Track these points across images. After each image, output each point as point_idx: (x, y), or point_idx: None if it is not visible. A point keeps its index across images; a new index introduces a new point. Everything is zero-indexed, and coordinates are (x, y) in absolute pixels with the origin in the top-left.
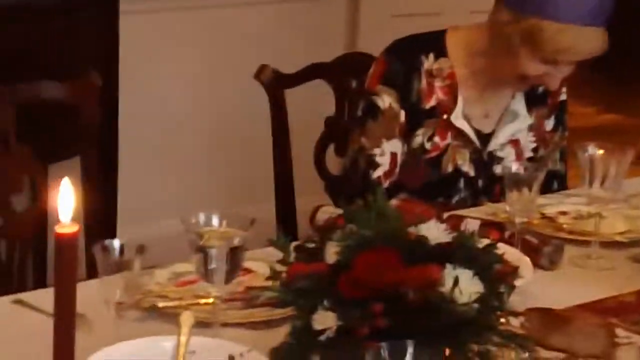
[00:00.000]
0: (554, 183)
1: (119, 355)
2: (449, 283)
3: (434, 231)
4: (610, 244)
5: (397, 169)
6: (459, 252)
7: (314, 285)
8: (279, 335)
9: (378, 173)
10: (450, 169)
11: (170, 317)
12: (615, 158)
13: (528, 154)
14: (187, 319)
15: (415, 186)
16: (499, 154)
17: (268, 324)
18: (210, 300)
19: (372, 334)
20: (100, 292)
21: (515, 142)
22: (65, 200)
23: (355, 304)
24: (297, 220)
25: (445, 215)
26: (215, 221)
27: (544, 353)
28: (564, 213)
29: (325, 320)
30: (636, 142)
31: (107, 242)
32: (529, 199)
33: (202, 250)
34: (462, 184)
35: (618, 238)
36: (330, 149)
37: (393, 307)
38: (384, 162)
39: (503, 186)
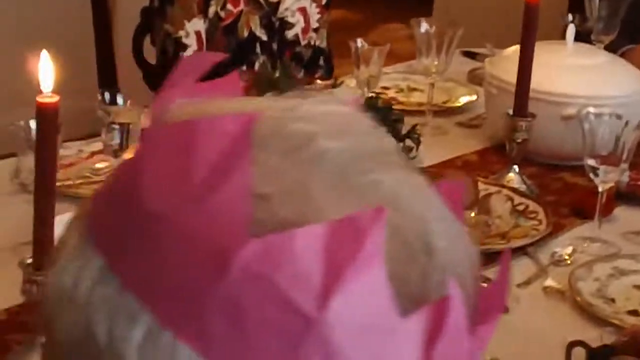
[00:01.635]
0: (321, 60)
1: None
2: None
3: (346, 94)
4: (439, 113)
5: (205, 47)
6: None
7: None
8: None
9: (188, 54)
10: (245, 34)
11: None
12: (447, 35)
13: (314, 24)
14: None
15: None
16: (290, 19)
17: None
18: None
19: None
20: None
21: (302, 10)
22: (45, 71)
23: None
24: None
25: None
26: (120, 100)
27: None
28: (386, 88)
29: None
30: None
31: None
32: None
33: (114, 127)
34: (258, 48)
35: (447, 105)
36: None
37: None
38: (191, 42)
39: (294, 51)
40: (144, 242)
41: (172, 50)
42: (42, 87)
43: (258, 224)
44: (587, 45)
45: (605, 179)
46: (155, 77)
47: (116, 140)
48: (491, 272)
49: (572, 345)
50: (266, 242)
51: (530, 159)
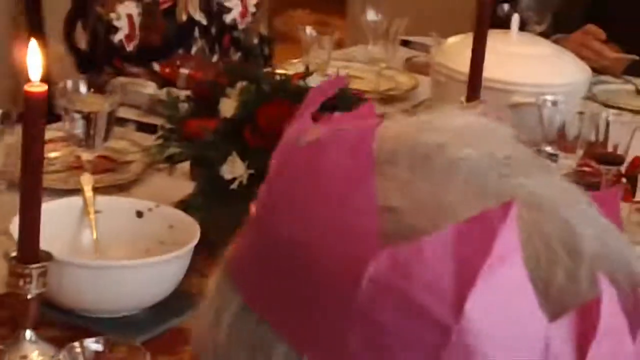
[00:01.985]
0: (265, 48)
1: None
2: None
3: (318, 83)
4: (383, 100)
5: (137, 32)
6: (340, 101)
7: (220, 138)
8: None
9: (119, 37)
10: (184, 18)
11: None
12: (394, 26)
13: (252, 8)
14: (87, 179)
15: (157, 43)
16: (227, 3)
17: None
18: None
19: None
20: None
21: None
22: (34, 59)
23: (263, 153)
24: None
25: None
26: (82, 88)
27: None
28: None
29: (234, 169)
30: None
31: None
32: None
33: (77, 116)
34: (197, 33)
35: (391, 93)
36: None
37: None
38: (122, 25)
39: (233, 36)
40: (276, 269)
41: (102, 33)
42: (30, 76)
43: (389, 235)
44: (530, 35)
45: (563, 166)
46: (86, 62)
47: (80, 130)
48: None
49: None
50: (395, 253)
51: None
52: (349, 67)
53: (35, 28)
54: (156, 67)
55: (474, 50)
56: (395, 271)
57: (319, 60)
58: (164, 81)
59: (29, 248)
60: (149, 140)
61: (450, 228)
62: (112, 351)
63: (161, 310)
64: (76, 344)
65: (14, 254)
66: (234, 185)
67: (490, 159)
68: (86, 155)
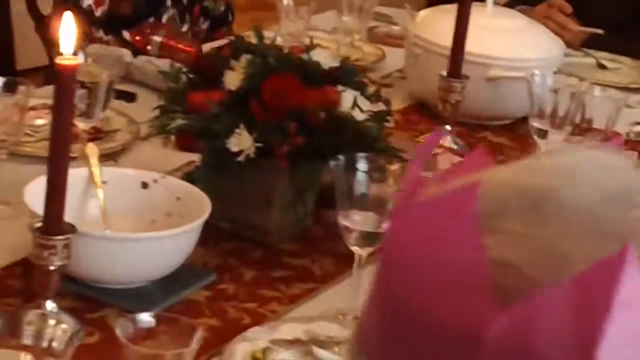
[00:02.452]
0: (229, 14)
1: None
2: (347, 103)
3: (322, 56)
4: None
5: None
6: (343, 74)
7: (226, 111)
8: None
9: (88, 2)
10: None
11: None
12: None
13: None
14: (92, 150)
15: (127, 11)
16: None
17: None
18: None
19: (289, 153)
20: None
21: None
22: (67, 33)
23: (270, 126)
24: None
25: None
26: (81, 58)
27: None
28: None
29: (242, 142)
30: None
31: None
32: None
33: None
34: (169, 2)
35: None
36: None
37: (303, 127)
38: None
39: (203, 5)
40: (399, 333)
41: None
42: (62, 49)
43: (507, 291)
44: (505, 8)
45: (552, 141)
46: (48, 27)
47: (80, 100)
48: None
49: None
50: (514, 313)
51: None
52: (314, 36)
53: None
54: (126, 35)
55: (457, 24)
56: (517, 329)
57: (293, 29)
58: (134, 49)
59: (54, 220)
60: (128, 108)
61: (569, 279)
62: (163, 325)
63: (170, 282)
64: (128, 317)
65: (38, 224)
66: (241, 158)
67: (606, 195)
68: (83, 125)
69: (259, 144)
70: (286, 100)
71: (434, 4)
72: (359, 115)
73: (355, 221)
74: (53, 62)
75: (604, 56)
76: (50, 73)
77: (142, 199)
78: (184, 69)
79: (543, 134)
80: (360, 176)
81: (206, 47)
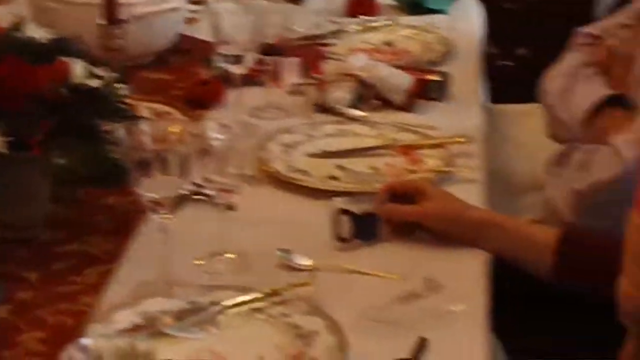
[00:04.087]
0: None
1: None
2: (78, 73)
3: (34, 31)
4: None
5: None
6: (64, 46)
7: None
8: None
9: None
10: None
11: None
12: None
13: None
14: None
15: None
16: None
17: None
18: None
19: (43, 140)
20: None
21: None
22: None
23: (13, 115)
24: None
25: None
26: None
27: None
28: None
29: None
30: None
31: None
32: None
33: None
34: None
35: None
36: None
37: (45, 108)
38: None
39: None
40: None
41: None
42: None
43: None
44: None
45: (238, 66)
46: None
47: None
48: None
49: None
50: None
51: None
52: None
53: None
54: None
55: None
56: None
57: None
58: None
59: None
60: None
61: None
62: None
63: None
64: None
65: None
66: None
67: None
68: None
69: (9, 138)
70: (20, 86)
71: None
72: (94, 83)
73: None
74: None
75: None
76: None
77: None
78: None
79: (228, 59)
80: None
81: None
